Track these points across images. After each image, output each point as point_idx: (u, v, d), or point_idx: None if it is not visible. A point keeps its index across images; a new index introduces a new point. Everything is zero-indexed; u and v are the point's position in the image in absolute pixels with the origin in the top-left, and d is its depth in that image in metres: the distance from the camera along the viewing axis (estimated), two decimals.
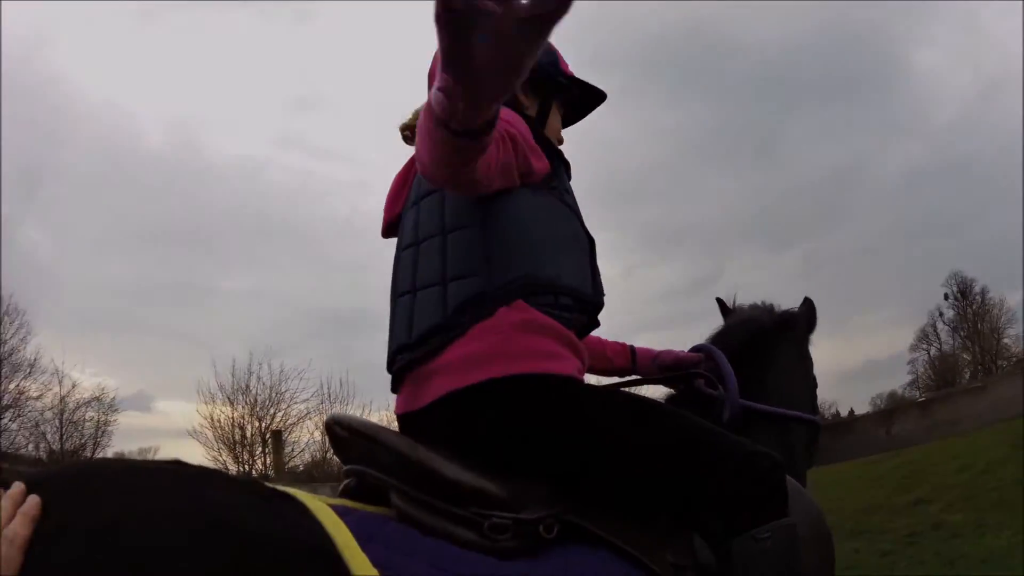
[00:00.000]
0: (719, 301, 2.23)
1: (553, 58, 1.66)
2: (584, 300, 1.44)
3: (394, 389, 1.44)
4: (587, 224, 1.53)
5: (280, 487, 1.10)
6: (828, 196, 47.18)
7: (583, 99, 1.74)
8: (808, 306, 2.20)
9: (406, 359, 1.37)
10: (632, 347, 1.92)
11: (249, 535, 0.90)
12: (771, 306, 2.18)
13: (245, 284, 40.03)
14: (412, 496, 1.21)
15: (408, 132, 1.65)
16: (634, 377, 1.90)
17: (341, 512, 1.07)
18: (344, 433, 1.32)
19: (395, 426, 1.43)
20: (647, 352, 1.92)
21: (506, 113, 1.39)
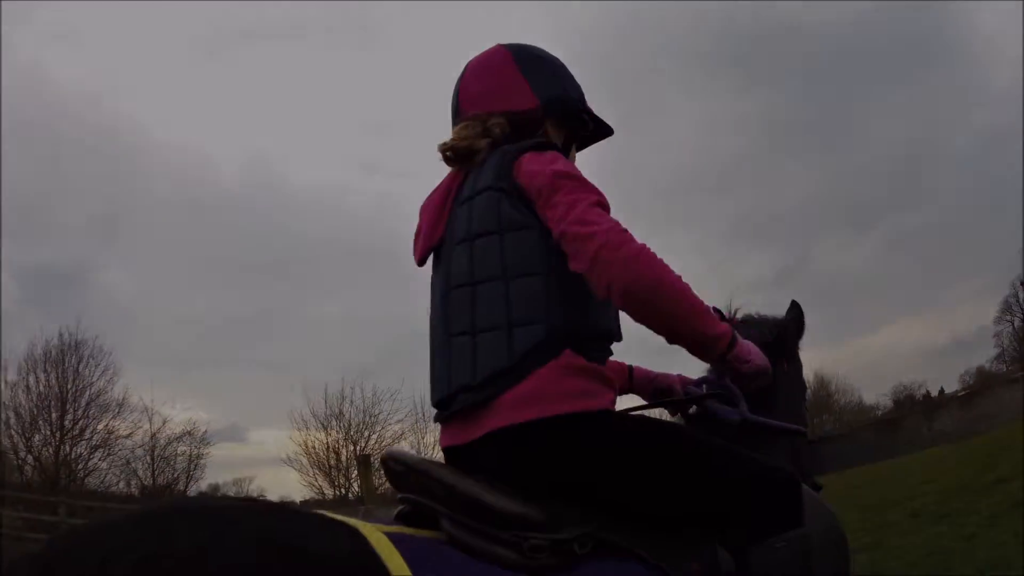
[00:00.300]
0: (716, 311, 2.18)
1: (580, 94, 1.74)
2: (613, 339, 1.57)
3: (438, 420, 1.56)
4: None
5: (340, 517, 1.24)
6: (905, 172, 45.70)
7: (593, 133, 1.82)
8: (796, 311, 2.20)
9: (468, 400, 1.47)
10: (631, 367, 2.02)
11: (307, 559, 1.05)
12: (765, 318, 2.19)
13: (332, 310, 40.59)
14: (460, 522, 1.34)
15: (450, 152, 1.62)
16: (644, 402, 1.99)
17: (396, 540, 1.20)
18: (400, 468, 1.47)
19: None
20: (644, 373, 2.01)
21: (569, 165, 1.50)
